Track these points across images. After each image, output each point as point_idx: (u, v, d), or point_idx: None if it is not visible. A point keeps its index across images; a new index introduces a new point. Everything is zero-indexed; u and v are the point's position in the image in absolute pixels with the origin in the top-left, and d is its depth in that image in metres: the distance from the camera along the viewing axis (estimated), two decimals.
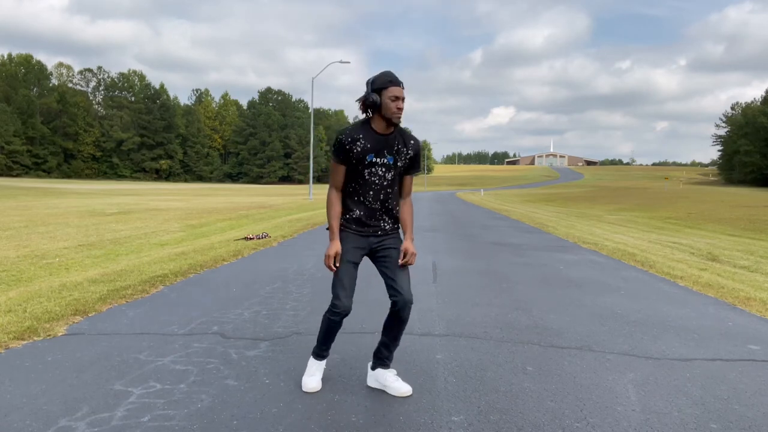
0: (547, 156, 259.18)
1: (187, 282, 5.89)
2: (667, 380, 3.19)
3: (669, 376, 3.26)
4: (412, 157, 2.94)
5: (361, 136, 2.81)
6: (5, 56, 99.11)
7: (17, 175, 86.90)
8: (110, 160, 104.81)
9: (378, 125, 2.81)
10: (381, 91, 2.75)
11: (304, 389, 2.92)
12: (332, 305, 2.86)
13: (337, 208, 2.89)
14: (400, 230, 3.00)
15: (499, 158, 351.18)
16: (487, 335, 4.03)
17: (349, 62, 37.26)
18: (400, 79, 2.80)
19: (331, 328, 2.94)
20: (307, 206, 24.33)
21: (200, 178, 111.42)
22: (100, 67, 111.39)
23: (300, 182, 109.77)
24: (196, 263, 6.95)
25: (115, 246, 9.33)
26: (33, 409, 2.62)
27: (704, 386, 3.10)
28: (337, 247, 2.81)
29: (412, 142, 2.93)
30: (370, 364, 3.08)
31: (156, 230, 12.28)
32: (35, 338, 3.72)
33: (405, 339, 3.87)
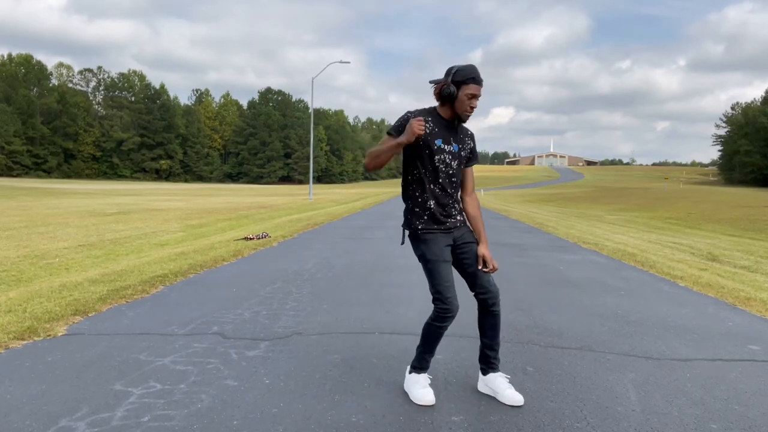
0: (547, 156, 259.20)
1: (187, 282, 5.89)
2: (667, 380, 3.19)
3: (669, 376, 3.26)
4: (472, 148, 2.91)
5: (430, 119, 2.75)
6: (5, 56, 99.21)
7: (17, 175, 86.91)
8: (110, 160, 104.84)
9: (445, 113, 2.76)
10: (460, 84, 2.67)
11: (421, 403, 2.77)
12: (441, 309, 2.72)
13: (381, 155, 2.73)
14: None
15: (499, 158, 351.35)
16: None
17: (349, 62, 37.30)
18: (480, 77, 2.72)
19: (440, 335, 2.81)
20: (307, 206, 24.33)
21: (200, 178, 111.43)
22: (100, 67, 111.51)
23: (300, 182, 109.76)
24: (196, 263, 6.95)
25: (115, 246, 9.33)
26: (33, 409, 2.62)
27: (704, 386, 3.10)
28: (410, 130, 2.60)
29: (470, 133, 2.91)
30: (480, 369, 2.98)
31: (156, 230, 12.28)
32: (35, 338, 3.73)
33: (404, 339, 3.88)
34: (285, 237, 10.60)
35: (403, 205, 2.95)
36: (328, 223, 14.87)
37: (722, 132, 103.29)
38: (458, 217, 2.88)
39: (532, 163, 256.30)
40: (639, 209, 32.36)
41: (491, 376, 2.91)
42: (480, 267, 2.80)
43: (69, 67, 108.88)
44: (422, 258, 2.83)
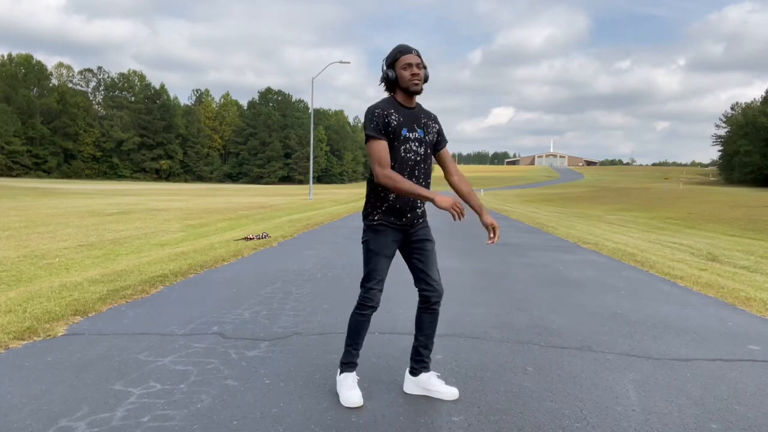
0: (547, 156, 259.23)
1: (187, 282, 5.89)
2: (667, 380, 3.19)
3: (669, 376, 3.26)
4: (438, 131, 2.89)
5: (393, 110, 2.73)
6: (5, 56, 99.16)
7: (17, 175, 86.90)
8: (110, 161, 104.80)
9: (402, 99, 2.77)
10: (393, 64, 2.72)
11: (348, 405, 2.73)
12: (365, 298, 2.79)
13: (401, 177, 2.65)
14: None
15: (499, 158, 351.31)
16: (487, 335, 4.03)
17: (348, 62, 37.26)
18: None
19: (363, 326, 2.84)
20: (307, 206, 24.33)
21: (200, 179, 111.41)
22: (100, 67, 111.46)
23: (300, 182, 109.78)
24: (196, 263, 6.95)
25: (115, 246, 9.33)
26: (33, 409, 2.62)
27: (704, 386, 3.10)
28: (448, 196, 2.57)
29: (433, 116, 2.91)
30: (407, 370, 2.97)
31: (156, 230, 12.28)
32: (35, 338, 3.72)
33: (404, 339, 3.88)
34: (285, 237, 10.60)
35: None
36: (328, 223, 14.87)
37: (722, 132, 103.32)
38: (419, 212, 2.84)
39: (532, 163, 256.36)
40: (639, 209, 32.36)
41: (423, 376, 2.90)
42: (490, 237, 2.77)
43: (69, 67, 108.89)
44: (366, 244, 2.81)
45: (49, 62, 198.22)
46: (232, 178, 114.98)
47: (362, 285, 2.81)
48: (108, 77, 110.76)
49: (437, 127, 2.88)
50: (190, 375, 3.11)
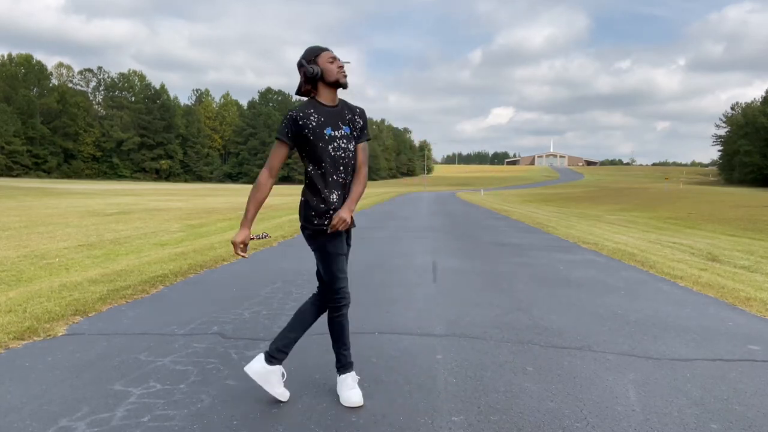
0: (547, 156, 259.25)
1: (187, 282, 5.89)
2: (667, 380, 3.19)
3: (669, 376, 3.26)
4: (362, 126, 2.84)
5: (312, 110, 2.68)
6: (5, 56, 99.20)
7: (17, 175, 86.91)
8: (110, 160, 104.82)
9: (325, 98, 2.73)
10: (315, 60, 2.70)
11: (348, 405, 2.75)
12: (337, 299, 2.76)
13: (264, 192, 2.70)
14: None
15: (499, 158, 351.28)
16: (487, 335, 4.03)
17: (348, 62, 37.20)
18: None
19: (344, 325, 2.83)
20: None
21: (200, 179, 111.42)
22: (100, 67, 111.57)
23: (300, 182, 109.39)
24: (196, 263, 6.95)
25: (115, 246, 9.33)
26: (33, 409, 2.62)
27: (704, 386, 3.10)
28: (245, 235, 2.63)
29: (357, 109, 2.85)
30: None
31: (156, 230, 12.28)
32: (35, 338, 3.72)
33: (405, 339, 3.88)
34: (285, 237, 10.60)
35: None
36: None
37: (722, 132, 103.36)
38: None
39: (532, 163, 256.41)
40: (639, 209, 32.36)
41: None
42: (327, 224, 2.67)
43: (69, 67, 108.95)
44: (322, 250, 2.72)
45: (49, 62, 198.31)
46: (232, 178, 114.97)
47: (331, 288, 2.74)
48: (108, 77, 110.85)
49: (361, 122, 2.83)
50: (190, 375, 3.11)
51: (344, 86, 2.73)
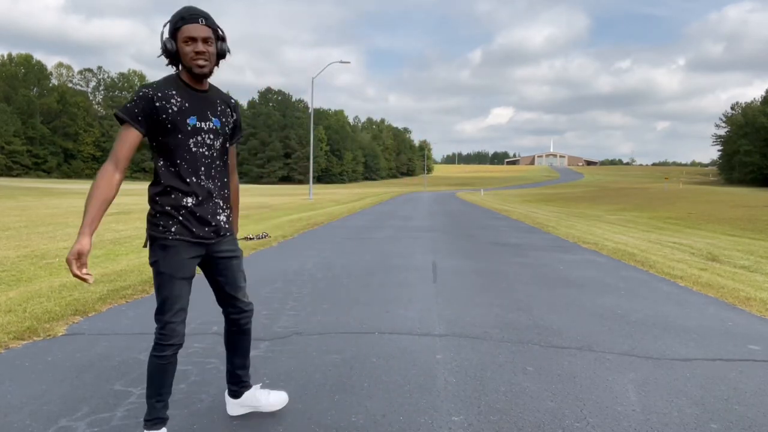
0: (547, 156, 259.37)
1: None
2: (667, 380, 3.19)
3: (669, 376, 3.26)
4: (236, 122, 2.38)
5: (174, 92, 2.13)
6: (5, 56, 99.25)
7: (17, 175, 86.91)
8: None
9: (191, 78, 2.19)
10: (176, 34, 2.11)
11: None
12: (160, 336, 2.19)
13: (107, 190, 2.03)
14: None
15: (499, 158, 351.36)
16: (487, 335, 4.03)
17: (349, 62, 37.26)
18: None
19: (165, 370, 2.21)
20: (307, 206, 24.33)
21: None
22: (100, 67, 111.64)
23: (300, 182, 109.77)
24: None
25: (115, 246, 9.33)
26: (33, 409, 2.62)
27: (704, 386, 3.10)
28: (83, 245, 1.95)
29: (232, 101, 2.38)
30: (227, 393, 2.61)
31: None
32: (35, 338, 3.72)
33: (404, 339, 3.88)
34: (285, 237, 10.59)
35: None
36: (328, 223, 14.87)
37: (722, 132, 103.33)
38: (223, 221, 2.33)
39: (531, 163, 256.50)
40: (639, 209, 32.36)
41: (248, 394, 2.57)
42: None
43: (69, 67, 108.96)
44: (155, 266, 2.20)
45: (49, 62, 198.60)
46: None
47: (156, 318, 2.20)
48: (108, 77, 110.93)
49: (235, 117, 2.37)
50: (190, 375, 3.11)
51: (202, 76, 2.16)
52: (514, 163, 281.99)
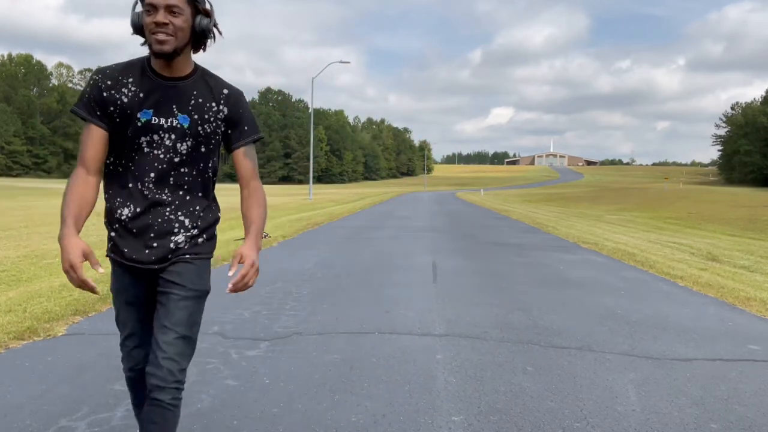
0: (547, 156, 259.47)
1: None
2: (667, 380, 3.19)
3: (669, 376, 3.26)
4: (229, 118, 1.83)
5: (131, 79, 1.74)
6: (5, 56, 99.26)
7: (17, 175, 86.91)
8: None
9: (158, 63, 1.75)
10: (142, 2, 1.70)
11: None
12: (122, 359, 1.98)
13: (84, 191, 1.74)
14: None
15: (499, 158, 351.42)
16: (487, 335, 4.03)
17: (348, 62, 37.30)
18: None
19: (133, 386, 1.98)
20: (307, 206, 24.34)
21: None
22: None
23: (300, 182, 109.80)
24: None
25: None
26: (33, 409, 2.62)
27: (704, 386, 3.10)
28: (74, 247, 1.68)
29: (225, 92, 1.83)
30: None
31: None
32: (35, 338, 3.72)
33: (404, 339, 3.88)
34: (285, 237, 10.60)
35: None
36: (328, 223, 14.87)
37: (722, 132, 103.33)
38: (179, 242, 1.79)
39: (531, 163, 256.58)
40: (639, 209, 32.35)
41: None
42: (230, 271, 1.75)
43: (69, 67, 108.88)
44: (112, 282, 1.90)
45: (48, 62, 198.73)
46: (232, 178, 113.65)
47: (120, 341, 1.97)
48: None
49: (225, 112, 1.82)
50: (190, 375, 3.10)
51: (161, 56, 1.69)
52: (514, 163, 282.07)
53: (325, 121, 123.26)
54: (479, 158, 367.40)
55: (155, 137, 1.74)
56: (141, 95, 1.73)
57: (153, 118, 1.73)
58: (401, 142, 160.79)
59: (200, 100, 1.78)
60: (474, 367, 3.34)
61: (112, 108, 1.72)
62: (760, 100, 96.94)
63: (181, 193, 1.80)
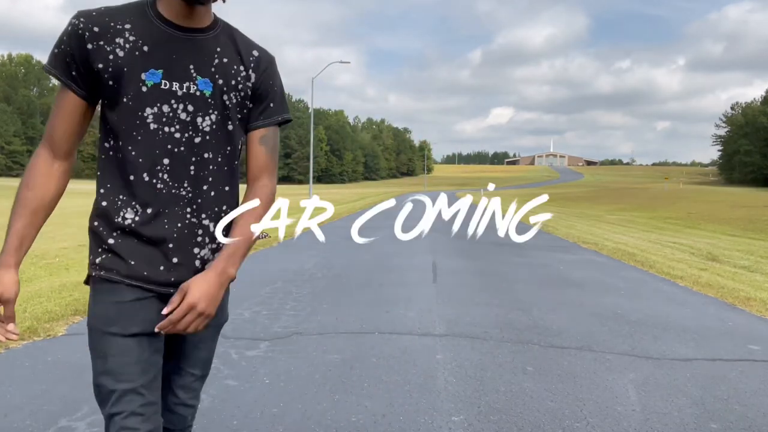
0: (547, 156, 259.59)
1: None
2: (667, 380, 3.19)
3: (669, 376, 3.26)
4: (255, 88, 1.34)
5: (128, 26, 1.23)
6: (5, 56, 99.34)
7: (17, 175, 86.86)
8: None
9: (169, 8, 1.25)
10: None
11: None
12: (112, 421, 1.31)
13: (42, 187, 1.31)
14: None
15: (499, 158, 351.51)
16: (487, 335, 4.03)
17: (349, 62, 37.30)
18: None
19: None
20: None
21: None
22: None
23: (300, 182, 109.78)
24: None
25: None
26: (33, 409, 2.62)
27: (704, 386, 3.10)
28: (3, 287, 1.41)
29: (255, 54, 1.36)
30: None
31: None
32: (35, 338, 3.73)
33: (404, 339, 3.88)
34: (285, 237, 10.59)
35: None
36: (329, 223, 14.88)
37: (722, 132, 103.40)
38: (201, 261, 1.33)
39: (531, 163, 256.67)
40: (639, 209, 32.35)
41: None
42: (166, 309, 1.24)
43: None
44: (89, 315, 1.34)
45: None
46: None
47: (101, 408, 1.37)
48: None
49: (253, 80, 1.34)
50: None
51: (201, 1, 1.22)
52: (514, 163, 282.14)
53: (325, 121, 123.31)
54: (479, 158, 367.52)
55: (166, 109, 1.23)
56: (144, 48, 1.22)
57: (163, 81, 1.23)
58: (401, 142, 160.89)
59: (225, 60, 1.29)
60: (474, 367, 3.34)
61: (100, 65, 1.21)
62: (760, 100, 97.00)
63: (205, 187, 1.30)
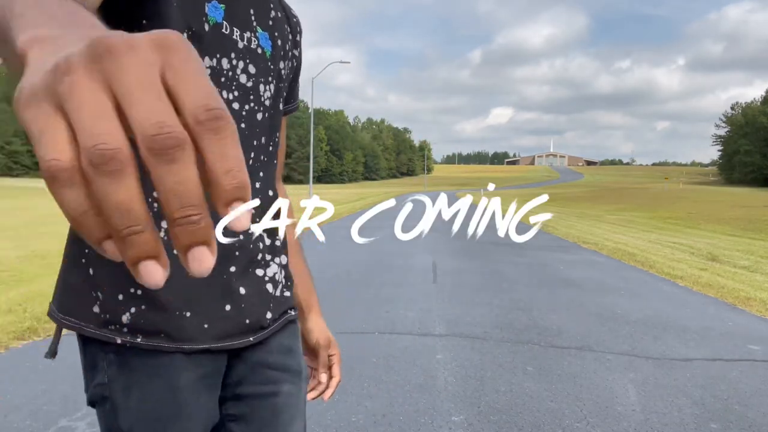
0: (547, 156, 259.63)
1: None
2: (667, 380, 3.19)
3: (669, 376, 3.27)
4: (297, 64, 0.98)
5: None
6: None
7: (17, 175, 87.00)
8: None
9: None
10: None
11: None
12: None
13: None
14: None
15: (498, 158, 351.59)
16: (487, 335, 4.03)
17: (349, 62, 37.30)
18: None
19: None
20: None
21: None
22: None
23: (300, 182, 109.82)
24: None
25: None
26: (33, 409, 2.62)
27: (704, 386, 3.10)
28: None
29: (295, 16, 0.99)
30: None
31: None
32: (35, 338, 3.72)
33: (404, 339, 3.88)
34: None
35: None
36: (329, 223, 14.88)
37: (722, 132, 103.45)
38: (273, 284, 0.91)
39: (531, 163, 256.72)
40: (639, 209, 32.36)
41: None
42: (312, 390, 1.11)
43: None
44: (104, 411, 0.77)
45: None
46: None
47: None
48: None
49: (298, 49, 0.97)
50: None
51: None
52: (514, 163, 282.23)
53: (325, 121, 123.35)
54: (479, 158, 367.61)
55: (225, 65, 0.78)
56: None
57: (225, 24, 0.77)
58: (401, 142, 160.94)
59: (279, 15, 0.90)
60: (474, 367, 3.35)
61: None
62: (760, 100, 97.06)
63: (258, 185, 0.86)
